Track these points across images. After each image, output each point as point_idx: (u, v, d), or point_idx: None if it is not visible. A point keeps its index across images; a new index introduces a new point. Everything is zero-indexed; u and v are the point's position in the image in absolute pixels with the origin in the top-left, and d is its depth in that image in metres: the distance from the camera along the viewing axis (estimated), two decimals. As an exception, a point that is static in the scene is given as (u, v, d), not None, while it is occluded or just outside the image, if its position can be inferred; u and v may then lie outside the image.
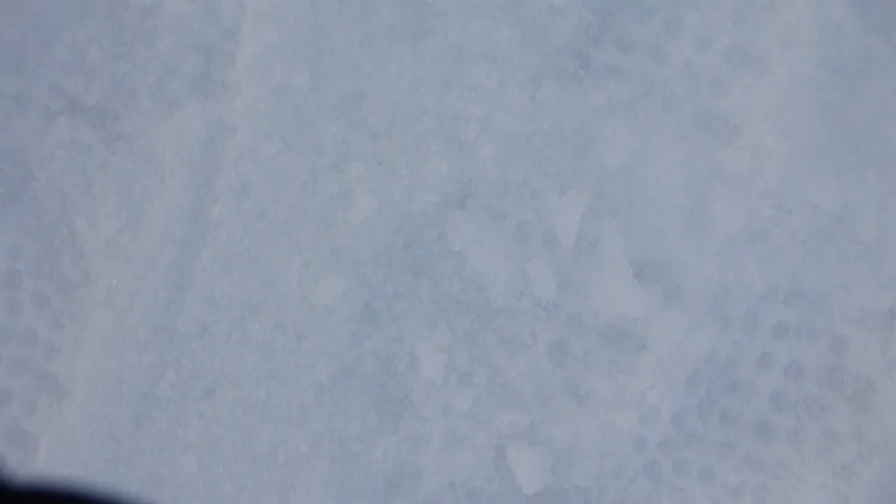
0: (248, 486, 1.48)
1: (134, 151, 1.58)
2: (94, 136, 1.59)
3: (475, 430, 1.47)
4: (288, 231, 1.52)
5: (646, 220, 1.49)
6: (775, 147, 1.49)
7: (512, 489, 1.46)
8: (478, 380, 1.48)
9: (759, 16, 1.52)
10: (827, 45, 1.49)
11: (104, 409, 1.51)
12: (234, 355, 1.50)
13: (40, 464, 1.37)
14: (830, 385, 1.46)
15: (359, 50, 1.53)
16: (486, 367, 1.48)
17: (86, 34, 1.61)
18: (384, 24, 1.53)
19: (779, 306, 1.46)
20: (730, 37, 1.52)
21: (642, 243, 1.49)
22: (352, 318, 1.49)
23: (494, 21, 1.52)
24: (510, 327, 1.48)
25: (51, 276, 1.53)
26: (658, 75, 1.53)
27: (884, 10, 1.49)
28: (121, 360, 1.51)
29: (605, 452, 1.46)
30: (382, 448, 1.48)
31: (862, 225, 1.47)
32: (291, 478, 1.48)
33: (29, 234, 1.54)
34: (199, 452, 1.49)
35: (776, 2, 1.51)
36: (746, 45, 1.52)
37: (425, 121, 1.51)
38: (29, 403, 1.53)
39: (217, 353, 1.50)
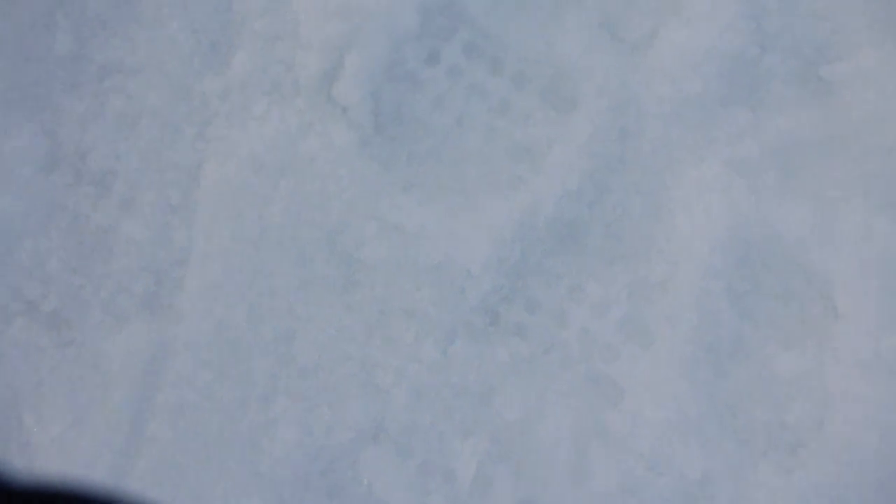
0: None
1: (83, 359, 1.78)
2: (48, 340, 1.78)
3: None
4: (217, 452, 1.73)
5: (535, 468, 1.73)
6: (652, 414, 1.73)
7: None
8: None
9: (650, 294, 1.75)
10: (704, 328, 1.73)
11: None
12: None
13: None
14: None
15: (294, 295, 1.74)
16: None
17: (48, 244, 1.79)
18: (318, 274, 1.74)
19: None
20: (624, 309, 1.75)
21: (530, 489, 1.73)
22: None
23: (416, 281, 1.74)
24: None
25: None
26: (558, 336, 1.76)
27: (756, 302, 1.73)
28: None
29: None
30: None
31: (719, 490, 1.72)
32: None
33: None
34: None
35: (666, 284, 1.74)
36: (637, 318, 1.75)
37: (348, 365, 1.73)
38: None
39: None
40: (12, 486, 0.85)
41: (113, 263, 1.79)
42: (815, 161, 1.73)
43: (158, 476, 1.73)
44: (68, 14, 1.85)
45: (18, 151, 1.80)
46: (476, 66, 1.81)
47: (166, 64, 1.83)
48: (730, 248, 1.72)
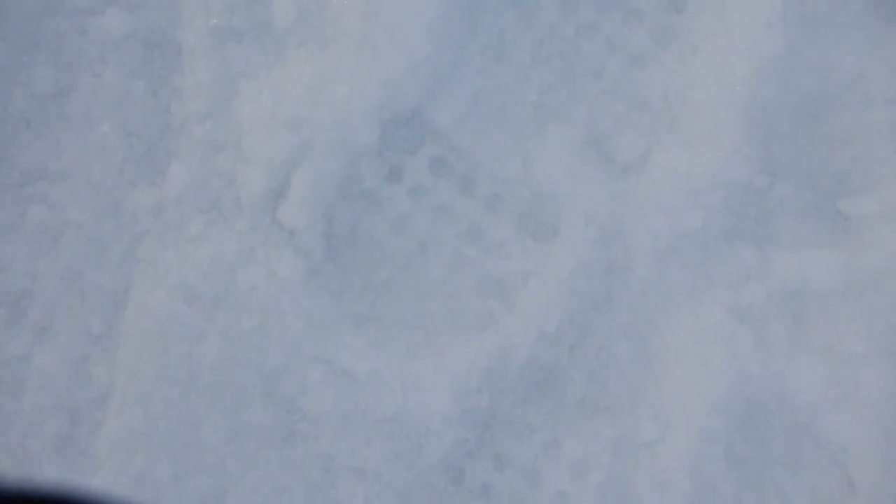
0: None
1: (-13, 507, 1.53)
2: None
3: None
4: None
5: None
6: None
7: None
8: None
9: (636, 455, 1.51)
10: (700, 498, 1.50)
11: None
12: None
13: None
14: None
15: (226, 447, 1.51)
16: None
17: None
18: (254, 423, 1.51)
19: None
20: (606, 472, 1.51)
21: None
22: None
23: (368, 434, 1.51)
24: None
25: None
26: (530, 500, 1.51)
27: (760, 470, 1.48)
28: None
29: None
30: None
31: None
32: None
33: None
34: None
35: (656, 444, 1.50)
36: (622, 483, 1.50)
37: (285, 531, 1.48)
38: None
39: None
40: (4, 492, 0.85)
41: (23, 400, 1.58)
42: (830, 310, 1.50)
43: None
44: (-11, 111, 1.62)
45: None
46: (444, 184, 1.59)
47: (94, 171, 1.62)
48: (730, 408, 1.51)
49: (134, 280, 1.60)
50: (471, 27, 1.58)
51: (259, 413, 1.54)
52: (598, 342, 1.56)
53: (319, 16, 1.59)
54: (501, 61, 1.59)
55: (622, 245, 1.55)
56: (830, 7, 1.53)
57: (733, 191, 1.52)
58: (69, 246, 1.63)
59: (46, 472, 1.57)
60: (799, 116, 1.52)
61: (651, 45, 1.60)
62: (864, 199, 1.51)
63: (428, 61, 1.55)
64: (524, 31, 1.60)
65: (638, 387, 1.56)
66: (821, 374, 1.49)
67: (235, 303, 1.56)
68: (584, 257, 1.55)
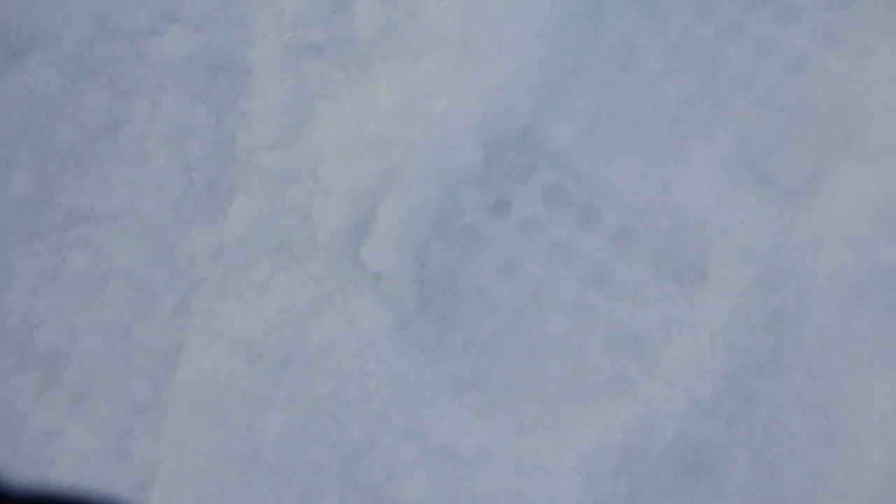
0: None
1: None
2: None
3: None
4: None
5: None
6: None
7: None
8: None
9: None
10: None
11: None
12: None
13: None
14: None
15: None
16: None
17: None
18: (331, 516, 1.19)
19: None
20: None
21: None
22: None
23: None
24: None
25: None
26: None
27: None
28: None
29: None
30: None
31: None
32: None
33: None
34: None
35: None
36: None
37: None
38: None
39: None
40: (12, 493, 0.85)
41: (53, 481, 1.34)
42: None
43: None
44: (33, 146, 1.48)
45: None
46: (561, 217, 1.37)
47: (147, 211, 1.46)
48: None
49: (187, 337, 1.41)
50: (591, 30, 1.41)
51: (337, 502, 1.27)
52: (766, 412, 1.34)
53: (411, 24, 1.40)
54: (628, 70, 1.38)
55: (793, 288, 1.30)
56: None
57: (934, 213, 1.21)
58: (114, 297, 1.47)
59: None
60: None
61: (812, 47, 1.32)
62: None
63: (541, 70, 1.40)
64: (654, 35, 1.37)
65: (821, 469, 1.27)
66: None
67: (308, 363, 1.38)
68: (742, 304, 1.31)
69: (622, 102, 1.42)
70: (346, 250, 1.41)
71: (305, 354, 1.37)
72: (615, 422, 1.31)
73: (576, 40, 1.43)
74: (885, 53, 1.38)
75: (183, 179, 1.51)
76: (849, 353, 1.31)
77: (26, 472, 1.43)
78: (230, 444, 1.36)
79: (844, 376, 1.31)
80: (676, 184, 1.38)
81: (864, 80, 1.39)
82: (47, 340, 1.48)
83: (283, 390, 1.37)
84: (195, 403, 1.39)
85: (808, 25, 1.43)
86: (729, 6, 1.45)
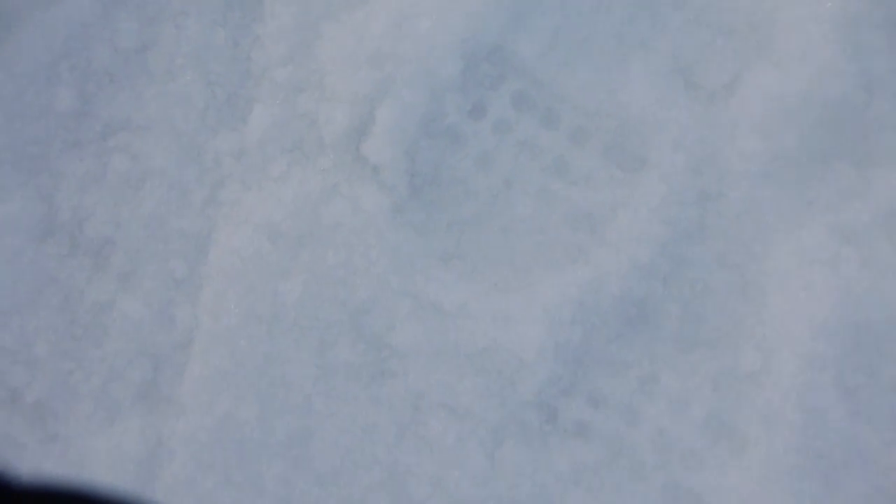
0: None
1: (69, 457, 1.56)
2: (30, 436, 1.56)
3: None
4: (217, 575, 1.45)
5: None
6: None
7: None
8: None
9: (739, 387, 1.46)
10: (809, 430, 1.42)
11: None
12: None
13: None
14: None
15: (312, 386, 1.49)
16: None
17: (36, 323, 1.60)
18: (341, 361, 1.49)
19: None
20: (708, 406, 1.46)
21: None
22: None
23: (458, 369, 1.48)
24: None
25: None
26: (628, 439, 1.48)
27: (872, 398, 1.41)
28: None
29: None
30: None
31: None
32: None
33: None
34: None
35: (760, 375, 1.44)
36: (724, 416, 1.45)
37: (375, 471, 1.47)
38: None
39: None
40: (14, 488, 0.86)
41: (107, 346, 1.60)
42: (939, 227, 1.44)
43: None
44: (73, 67, 1.70)
45: (10, 218, 1.66)
46: (527, 119, 1.59)
47: (176, 120, 1.65)
48: (838, 333, 1.46)
49: (217, 223, 1.62)
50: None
51: (346, 350, 1.53)
52: (694, 272, 1.54)
53: (401, -41, 1.61)
54: (582, -6, 1.59)
55: (714, 171, 1.53)
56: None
57: (828, 109, 1.51)
58: (151, 193, 1.65)
59: (129, 418, 1.56)
60: (894, 28, 1.49)
61: (734, -24, 1.59)
62: (967, 113, 1.47)
63: (509, -6, 1.56)
64: (604, -36, 1.61)
65: (737, 317, 1.53)
66: (933, 293, 1.43)
67: (320, 239, 1.57)
68: (674, 185, 1.54)
69: (577, 21, 1.67)
70: (349, 147, 1.67)
71: (318, 232, 1.64)
72: (572, 282, 1.59)
73: (538, -31, 1.68)
74: (792, -20, 1.65)
75: (206, 93, 1.75)
76: (758, 223, 1.59)
77: (80, 341, 1.68)
78: (256, 307, 1.62)
79: (754, 241, 1.59)
80: (621, 89, 1.65)
81: (775, 1, 1.66)
82: (95, 230, 1.72)
83: (300, 262, 1.63)
84: (226, 276, 1.64)
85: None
86: (666, -60, 1.71)
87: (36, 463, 1.59)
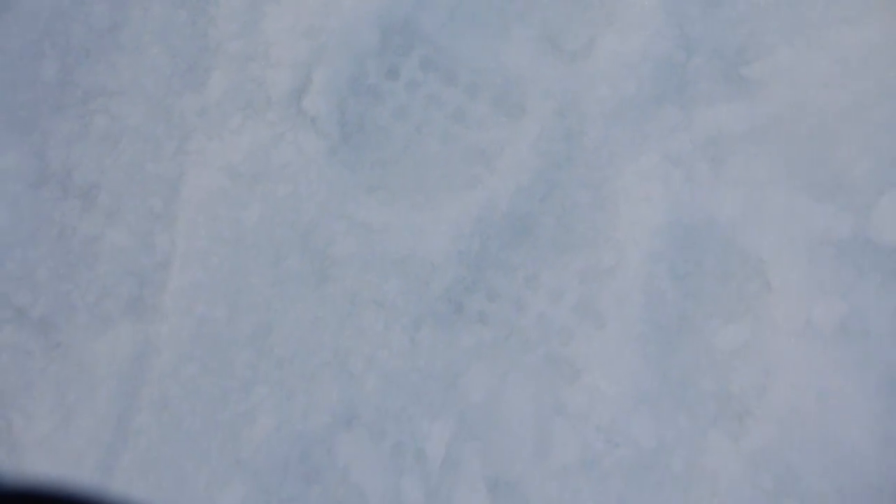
0: None
1: (70, 360, 1.94)
2: (36, 344, 1.94)
3: None
4: (200, 441, 1.89)
5: (500, 446, 1.90)
6: (608, 390, 1.92)
7: None
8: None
9: (600, 279, 1.95)
10: (652, 308, 1.92)
11: None
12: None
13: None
14: None
15: (270, 290, 1.92)
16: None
17: (36, 254, 1.97)
18: (293, 270, 1.93)
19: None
20: (577, 294, 1.95)
21: (497, 465, 1.89)
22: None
23: (384, 274, 1.93)
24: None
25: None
26: (517, 322, 1.95)
27: (697, 282, 1.93)
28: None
29: None
30: None
31: (673, 458, 1.89)
32: None
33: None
34: None
35: (614, 269, 1.94)
36: (589, 302, 1.94)
37: (322, 354, 1.90)
38: None
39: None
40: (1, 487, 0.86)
41: (99, 269, 1.97)
42: (742, 150, 1.96)
43: (144, 467, 1.88)
44: (55, 44, 2.07)
45: (8, 169, 1.97)
46: (432, 78, 2.04)
47: (147, 86, 2.04)
48: (671, 233, 1.92)
49: (186, 168, 2.03)
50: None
51: (296, 261, 1.95)
52: (563, 192, 2.00)
53: (325, -50, 2.04)
54: (472, -21, 2.06)
55: (576, 114, 2.01)
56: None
57: (659, 64, 2.01)
58: (129, 146, 2.05)
59: (121, 325, 1.97)
60: (705, 3, 2.02)
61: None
62: (760, 65, 2.01)
63: (415, -21, 2.01)
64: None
65: (597, 225, 1.98)
66: (738, 199, 1.96)
67: (271, 176, 1.98)
68: (546, 126, 2.01)
69: (469, 1, 2.16)
70: (292, 103, 2.10)
71: (269, 171, 2.08)
72: (471, 202, 2.05)
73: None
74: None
75: (171, 63, 2.16)
76: (611, 152, 2.09)
77: (75, 267, 2.09)
78: (222, 232, 2.05)
79: (609, 166, 2.09)
80: (504, 52, 2.13)
81: (620, -18, 2.16)
82: (83, 177, 2.11)
83: (256, 195, 2.07)
84: (196, 209, 2.06)
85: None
86: (536, -65, 2.20)
87: (42, 367, 1.99)
